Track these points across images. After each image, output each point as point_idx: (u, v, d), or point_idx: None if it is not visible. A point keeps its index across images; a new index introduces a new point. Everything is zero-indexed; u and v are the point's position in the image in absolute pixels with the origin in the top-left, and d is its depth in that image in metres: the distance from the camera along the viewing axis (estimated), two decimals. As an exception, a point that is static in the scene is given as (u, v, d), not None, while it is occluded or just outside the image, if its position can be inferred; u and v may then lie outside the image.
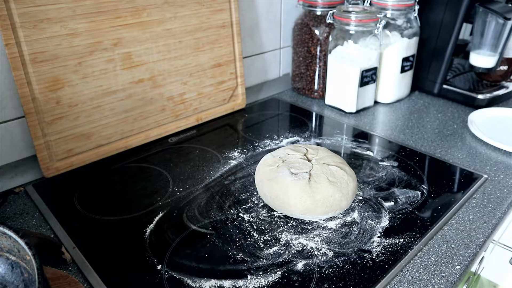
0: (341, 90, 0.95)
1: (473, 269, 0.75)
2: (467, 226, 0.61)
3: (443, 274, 0.52)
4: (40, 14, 0.64)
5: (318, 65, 1.01)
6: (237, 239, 0.57)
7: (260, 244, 0.56)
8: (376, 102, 1.02)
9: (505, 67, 1.03)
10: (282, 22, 1.11)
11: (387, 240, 0.57)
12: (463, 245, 0.57)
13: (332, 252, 0.54)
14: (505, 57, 1.00)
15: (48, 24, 0.65)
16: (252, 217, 0.61)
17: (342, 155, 0.79)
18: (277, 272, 0.51)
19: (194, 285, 0.50)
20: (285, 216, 0.61)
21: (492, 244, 0.82)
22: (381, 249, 0.55)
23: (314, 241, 0.56)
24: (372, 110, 0.99)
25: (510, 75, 1.05)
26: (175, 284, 0.50)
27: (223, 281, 0.50)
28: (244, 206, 0.63)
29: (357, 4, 1.00)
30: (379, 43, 0.92)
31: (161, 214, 0.62)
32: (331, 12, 0.92)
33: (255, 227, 0.59)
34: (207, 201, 0.65)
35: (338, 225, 0.59)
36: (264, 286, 0.49)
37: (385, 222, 0.60)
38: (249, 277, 0.51)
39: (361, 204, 0.64)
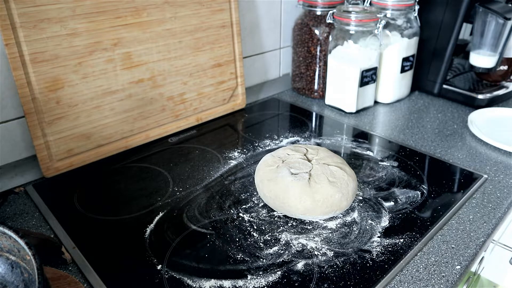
0: (341, 90, 0.95)
1: (473, 269, 0.75)
2: (467, 226, 0.61)
3: (443, 274, 0.52)
4: (40, 14, 0.64)
5: (318, 65, 1.01)
6: (237, 239, 0.57)
7: (260, 244, 0.56)
8: (376, 102, 1.02)
9: (505, 67, 1.03)
10: (282, 22, 1.11)
11: (387, 240, 0.57)
12: (463, 245, 0.57)
13: (332, 252, 0.54)
14: (505, 57, 1.00)
15: (48, 24, 0.65)
16: (252, 217, 0.61)
17: (342, 155, 0.79)
18: (277, 272, 0.51)
19: (194, 285, 0.50)
20: (285, 216, 0.61)
21: (492, 244, 0.82)
22: (381, 249, 0.55)
23: (314, 241, 0.56)
24: (372, 110, 0.99)
25: (510, 75, 1.05)
26: (175, 284, 0.50)
27: (223, 281, 0.50)
28: (244, 206, 0.63)
29: (357, 4, 1.00)
30: (379, 43, 0.92)
31: (161, 214, 0.62)
32: (331, 12, 0.92)
33: (255, 227, 0.59)
34: (207, 201, 0.65)
35: (338, 225, 0.59)
36: (264, 286, 0.49)
37: (385, 222, 0.60)
38: (249, 277, 0.51)
39: (361, 204, 0.64)
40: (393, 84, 1.01)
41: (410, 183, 0.69)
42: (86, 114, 0.72)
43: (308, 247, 0.55)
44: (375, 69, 0.94)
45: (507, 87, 1.04)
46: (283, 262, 0.53)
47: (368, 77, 0.93)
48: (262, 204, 0.64)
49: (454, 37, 0.98)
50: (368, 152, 0.79)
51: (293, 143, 0.82)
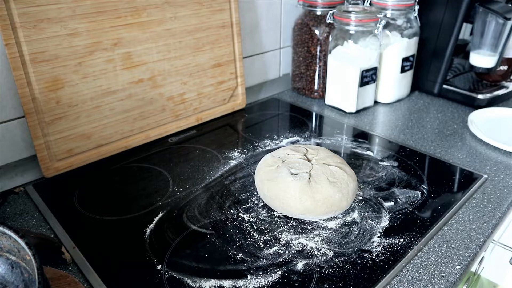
0: (341, 90, 0.95)
1: (473, 269, 0.75)
2: (467, 226, 0.61)
3: (443, 274, 0.52)
4: (40, 14, 0.64)
5: (318, 65, 1.01)
6: (237, 239, 0.57)
7: (260, 244, 0.56)
8: (376, 102, 1.02)
9: (505, 67, 1.03)
10: (282, 22, 1.11)
11: (387, 240, 0.57)
12: (463, 245, 0.57)
13: (332, 252, 0.54)
14: (505, 57, 1.00)
15: (48, 24, 0.65)
16: (252, 217, 0.61)
17: (342, 155, 0.79)
18: (277, 272, 0.51)
19: (194, 285, 0.50)
20: (285, 216, 0.61)
21: (492, 244, 0.82)
22: (381, 249, 0.55)
23: (314, 241, 0.56)
24: (372, 110, 0.99)
25: (510, 75, 1.05)
26: (175, 284, 0.50)
27: (223, 281, 0.50)
28: (244, 206, 0.63)
29: (357, 4, 1.00)
30: (379, 43, 0.92)
31: (161, 214, 0.62)
32: (331, 12, 0.92)
33: (255, 227, 0.59)
34: (207, 201, 0.65)
35: (338, 225, 0.59)
36: (264, 286, 0.49)
37: (385, 222, 0.60)
38: (249, 277, 0.51)
39: (361, 204, 0.64)
40: (393, 84, 1.01)
41: (410, 183, 0.69)
42: (86, 114, 0.72)
43: (308, 247, 0.55)
44: (375, 69, 0.94)
45: (507, 87, 1.04)
46: (283, 262, 0.53)
47: (368, 77, 0.93)
48: (262, 204, 0.64)
49: (454, 37, 0.98)
50: (368, 152, 0.79)
51: (293, 143, 0.82)
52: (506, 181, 0.71)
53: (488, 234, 0.59)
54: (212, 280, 0.50)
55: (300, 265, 0.52)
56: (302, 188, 0.59)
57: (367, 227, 0.59)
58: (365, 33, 0.91)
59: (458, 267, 0.53)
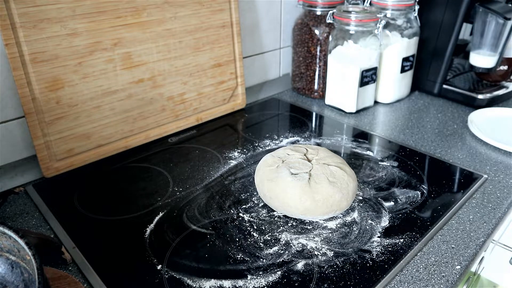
0: (341, 90, 0.95)
1: (473, 269, 0.75)
2: (467, 226, 0.61)
3: (443, 274, 0.52)
4: (40, 14, 0.64)
5: (318, 65, 1.01)
6: (237, 239, 0.57)
7: (260, 244, 0.56)
8: (376, 102, 1.02)
9: (505, 67, 1.03)
10: (282, 22, 1.11)
11: (387, 240, 0.57)
12: (463, 245, 0.57)
13: (332, 252, 0.54)
14: (505, 57, 1.00)
15: (48, 24, 0.65)
16: (252, 217, 0.61)
17: (342, 155, 0.79)
18: (277, 272, 0.51)
19: (194, 285, 0.50)
20: (285, 216, 0.61)
21: (492, 244, 0.82)
22: (381, 249, 0.55)
23: (314, 241, 0.56)
24: (372, 110, 0.99)
25: (510, 75, 1.05)
26: (175, 284, 0.50)
27: (223, 281, 0.50)
28: (244, 206, 0.63)
29: (357, 4, 1.00)
30: (379, 43, 0.92)
31: (161, 214, 0.62)
32: (331, 12, 0.92)
33: (255, 227, 0.59)
34: (207, 201, 0.65)
35: (338, 225, 0.59)
36: (264, 286, 0.49)
37: (385, 222, 0.60)
38: (249, 277, 0.51)
39: (361, 204, 0.64)
40: (393, 84, 1.01)
41: (410, 183, 0.69)
42: (86, 114, 0.72)
43: (308, 247, 0.55)
44: (375, 69, 0.94)
45: (507, 87, 1.04)
46: (283, 262, 0.53)
47: (368, 77, 0.93)
48: (262, 204, 0.64)
49: (454, 37, 0.98)
50: (368, 152, 0.79)
51: (293, 143, 0.82)
52: (506, 181, 0.71)
53: (488, 234, 0.59)
54: (212, 280, 0.50)
55: (300, 265, 0.52)
56: (302, 188, 0.59)
57: (367, 227, 0.59)
58: (365, 33, 0.91)
59: (458, 267, 0.53)
